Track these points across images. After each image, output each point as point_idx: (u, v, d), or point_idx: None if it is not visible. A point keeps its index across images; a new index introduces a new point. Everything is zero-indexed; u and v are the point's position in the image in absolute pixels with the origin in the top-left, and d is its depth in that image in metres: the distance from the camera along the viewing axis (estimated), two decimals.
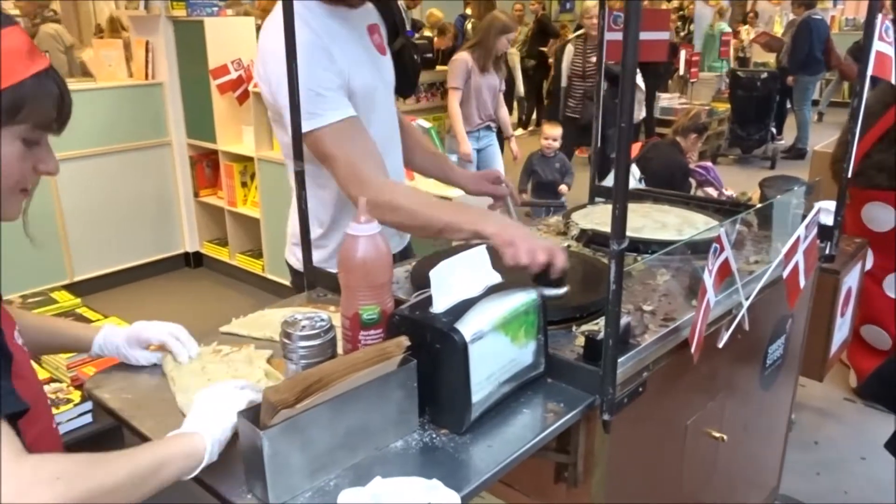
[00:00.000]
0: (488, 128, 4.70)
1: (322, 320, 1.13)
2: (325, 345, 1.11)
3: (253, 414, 0.89)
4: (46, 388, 2.03)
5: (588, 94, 5.46)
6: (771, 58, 8.75)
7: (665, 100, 7.98)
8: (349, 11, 1.59)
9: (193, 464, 0.91)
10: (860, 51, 1.83)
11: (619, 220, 1.05)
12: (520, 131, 8.67)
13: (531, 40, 9.31)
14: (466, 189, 1.89)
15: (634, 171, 4.12)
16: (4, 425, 0.78)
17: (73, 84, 4.50)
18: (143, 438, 1.09)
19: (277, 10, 1.49)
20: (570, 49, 5.55)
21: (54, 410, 1.94)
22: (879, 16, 1.81)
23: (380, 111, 1.65)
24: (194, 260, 4.76)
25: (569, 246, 1.84)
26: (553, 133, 4.73)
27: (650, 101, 7.55)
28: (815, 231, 1.66)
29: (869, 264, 2.85)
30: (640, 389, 1.25)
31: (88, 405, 2.06)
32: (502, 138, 4.95)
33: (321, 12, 1.53)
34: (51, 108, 0.92)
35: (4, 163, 0.89)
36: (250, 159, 4.18)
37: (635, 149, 4.72)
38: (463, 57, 4.48)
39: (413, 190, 1.56)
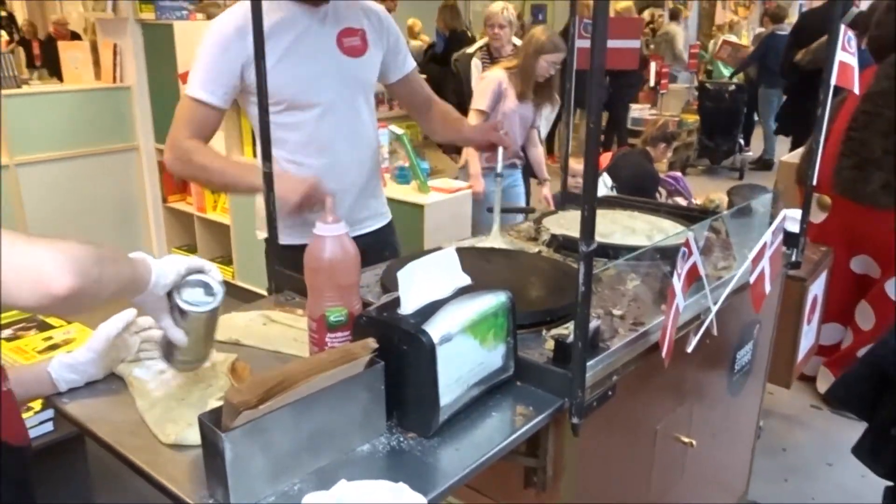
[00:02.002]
0: (513, 165, 3.87)
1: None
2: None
3: (214, 416, 0.87)
4: None
5: None
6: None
7: (636, 110, 8.07)
8: (314, 11, 1.72)
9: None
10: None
11: (588, 221, 1.05)
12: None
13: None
14: (475, 142, 2.06)
15: (606, 179, 4.15)
16: None
17: (37, 86, 4.43)
18: (102, 444, 1.06)
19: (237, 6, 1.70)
20: (476, 63, 4.37)
21: None
22: (843, 27, 1.85)
23: (329, 103, 1.77)
24: None
25: (539, 251, 1.83)
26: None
27: (622, 112, 7.63)
28: (780, 237, 1.68)
29: None
30: (610, 393, 1.25)
31: (50, 413, 2.00)
32: (527, 179, 4.08)
33: (284, 5, 1.70)
34: None
35: None
36: None
37: (606, 158, 4.76)
38: (496, 76, 3.67)
39: (209, 150, 1.75)
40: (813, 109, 1.87)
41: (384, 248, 1.98)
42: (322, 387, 0.93)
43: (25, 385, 1.16)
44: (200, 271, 1.11)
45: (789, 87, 6.76)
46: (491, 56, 4.29)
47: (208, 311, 1.10)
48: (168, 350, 1.14)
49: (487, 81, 3.68)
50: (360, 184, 1.90)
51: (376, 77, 1.91)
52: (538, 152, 3.99)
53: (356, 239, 1.73)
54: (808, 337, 2.53)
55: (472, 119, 3.61)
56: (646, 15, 11.62)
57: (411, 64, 2.01)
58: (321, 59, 1.75)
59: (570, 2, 2.24)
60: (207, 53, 1.68)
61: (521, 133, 3.82)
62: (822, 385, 3.12)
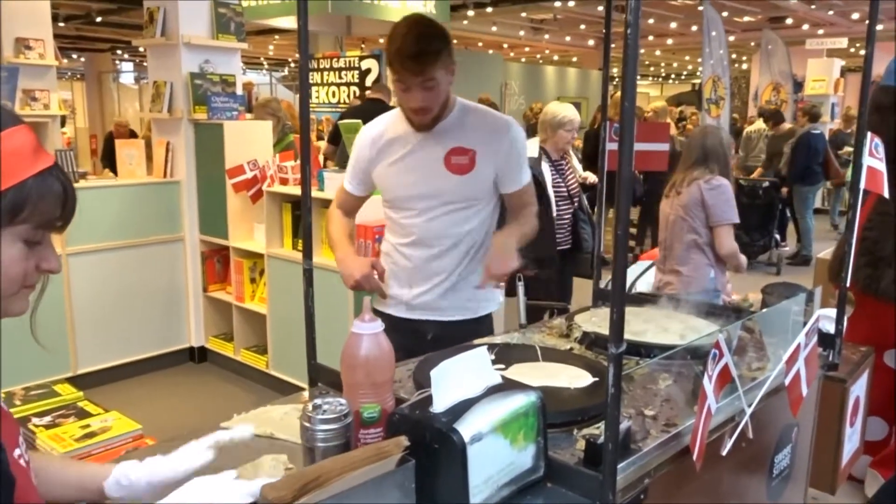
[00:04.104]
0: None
1: (341, 405, 1.14)
2: (342, 429, 1.12)
3: None
4: None
5: (581, 218, 4.21)
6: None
7: None
8: (427, 131, 2.04)
9: None
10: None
11: (617, 323, 1.07)
12: None
13: None
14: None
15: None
16: None
17: (94, 181, 4.67)
18: None
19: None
20: (546, 169, 4.01)
21: None
22: (869, 134, 1.89)
23: (425, 210, 2.08)
24: (199, 355, 4.75)
25: (571, 348, 1.85)
26: None
27: (657, 207, 7.66)
28: (815, 339, 1.67)
29: None
30: (642, 496, 1.23)
31: None
32: None
33: (405, 124, 2.08)
34: (54, 206, 0.90)
35: (6, 265, 0.86)
36: (260, 256, 4.26)
37: (654, 256, 4.78)
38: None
39: (338, 222, 2.24)
40: None
41: (462, 339, 1.97)
42: (355, 484, 0.95)
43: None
44: None
45: None
46: (550, 159, 4.07)
47: None
48: None
49: (730, 189, 3.59)
50: (449, 279, 2.13)
51: (484, 191, 2.09)
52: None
53: (443, 324, 2.16)
54: (851, 440, 2.45)
55: (727, 235, 3.62)
56: (676, 111, 11.84)
57: (522, 181, 2.13)
58: (425, 172, 2.05)
59: (601, 104, 2.32)
60: (351, 155, 2.19)
61: None
62: (871, 489, 2.98)
